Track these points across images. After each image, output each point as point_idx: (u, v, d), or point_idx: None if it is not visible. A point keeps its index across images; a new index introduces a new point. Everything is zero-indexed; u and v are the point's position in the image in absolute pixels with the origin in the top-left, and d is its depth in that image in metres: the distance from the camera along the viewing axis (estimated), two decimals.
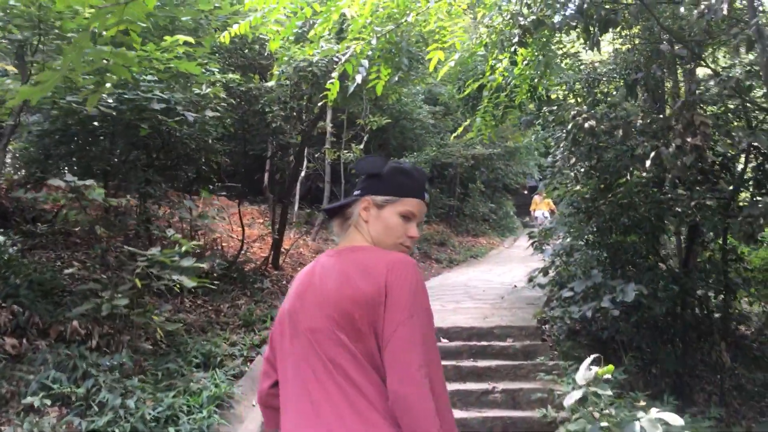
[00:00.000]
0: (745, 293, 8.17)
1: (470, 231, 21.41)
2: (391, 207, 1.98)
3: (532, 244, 8.48)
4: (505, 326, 7.39)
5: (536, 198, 20.06)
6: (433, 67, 6.91)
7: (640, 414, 4.29)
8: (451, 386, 6.17)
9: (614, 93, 8.35)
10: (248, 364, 6.91)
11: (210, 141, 8.66)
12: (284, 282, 9.91)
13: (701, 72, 8.72)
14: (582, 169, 7.85)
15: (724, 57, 8.50)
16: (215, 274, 8.68)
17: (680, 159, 5.84)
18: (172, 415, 5.43)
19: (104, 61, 3.73)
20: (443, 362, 6.71)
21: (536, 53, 6.88)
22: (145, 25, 7.49)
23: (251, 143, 10.27)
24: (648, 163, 5.89)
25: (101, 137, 8.07)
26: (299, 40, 8.95)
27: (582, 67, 9.09)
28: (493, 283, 11.58)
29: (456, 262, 16.37)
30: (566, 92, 9.94)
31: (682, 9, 6.92)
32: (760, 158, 7.47)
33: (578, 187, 7.17)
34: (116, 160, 8.67)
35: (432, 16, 6.38)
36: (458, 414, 5.95)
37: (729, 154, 7.51)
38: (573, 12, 5.86)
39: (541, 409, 5.78)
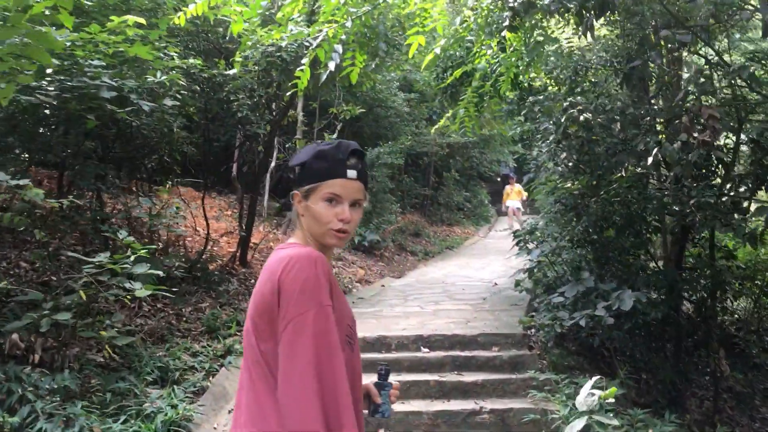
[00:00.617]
0: (737, 288, 7.67)
1: (445, 220, 20.85)
2: (315, 195, 1.86)
3: (516, 243, 7.86)
4: (489, 333, 6.77)
5: (507, 188, 19.52)
6: (412, 53, 6.25)
7: None
8: (435, 406, 5.56)
9: (604, 82, 7.73)
10: (210, 378, 6.22)
11: (171, 131, 7.90)
12: (252, 281, 9.20)
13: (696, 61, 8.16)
14: (570, 164, 7.23)
15: (720, 44, 7.91)
16: (176, 277, 7.96)
17: (686, 155, 5.25)
18: None
19: (17, 42, 2.99)
20: (425, 376, 6.15)
21: (525, 38, 6.23)
22: (92, 3, 6.71)
23: (216, 133, 9.47)
24: (650, 159, 5.28)
25: (53, 127, 7.28)
26: (266, 23, 8.19)
27: (568, 53, 8.47)
28: (472, 279, 10.98)
29: (431, 255, 15.77)
30: (551, 81, 9.33)
31: None
32: (759, 152, 6.93)
33: (568, 184, 6.55)
34: (69, 151, 7.90)
35: None
36: None
37: (726, 149, 6.95)
38: None
39: None
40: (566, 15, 5.82)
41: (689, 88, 5.49)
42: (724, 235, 8.24)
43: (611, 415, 4.33)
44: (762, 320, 8.45)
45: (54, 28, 4.48)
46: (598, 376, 4.55)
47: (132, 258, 5.52)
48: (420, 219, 19.05)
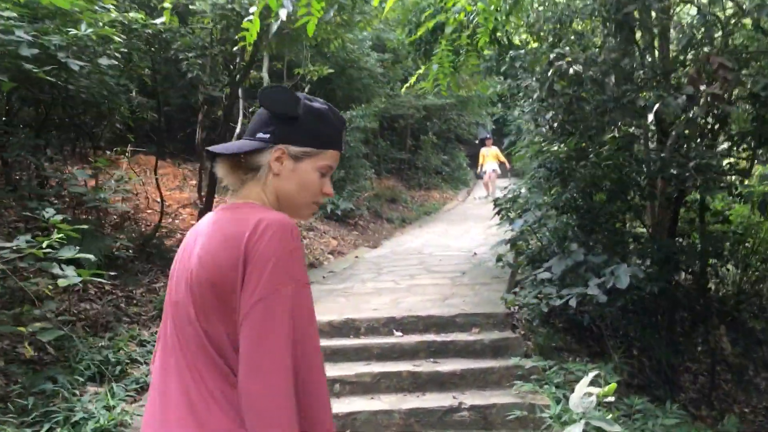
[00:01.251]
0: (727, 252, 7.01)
1: (423, 185, 20.09)
2: (310, 161, 1.60)
3: (498, 212, 7.12)
4: (469, 313, 6.06)
5: (483, 150, 18.68)
6: (390, 6, 5.41)
7: None
8: (409, 402, 4.84)
9: (591, 34, 6.94)
10: None
11: (115, 94, 7.01)
12: None
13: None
14: (556, 125, 6.47)
15: None
16: (126, 255, 7.15)
17: (691, 111, 4.50)
18: None
19: None
20: (397, 365, 5.42)
21: None
22: None
23: (168, 96, 8.57)
24: (650, 117, 4.52)
25: None
26: None
27: (552, 1, 7.64)
28: (450, 249, 10.26)
29: (409, 221, 15.03)
30: (532, 37, 8.51)
31: None
32: (761, 108, 6.20)
33: (555, 147, 5.79)
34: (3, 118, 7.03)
35: None
36: None
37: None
38: None
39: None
40: None
41: (694, 34, 4.71)
42: (711, 198, 7.59)
43: (611, 418, 3.64)
44: (753, 285, 7.83)
45: None
46: (595, 372, 3.85)
47: (53, 239, 4.71)
48: (397, 184, 18.27)
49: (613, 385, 3.86)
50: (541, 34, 8.09)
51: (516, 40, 8.93)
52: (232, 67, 8.62)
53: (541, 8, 7.24)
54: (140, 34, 6.98)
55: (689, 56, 5.10)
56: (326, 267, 9.47)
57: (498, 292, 6.86)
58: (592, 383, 3.83)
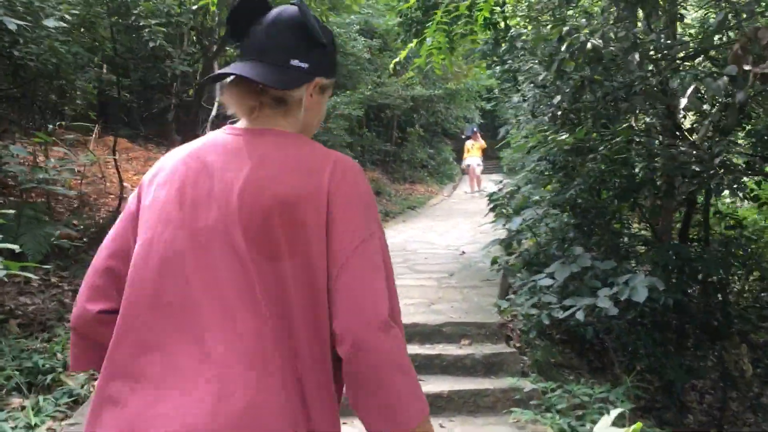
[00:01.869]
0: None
1: (408, 178, 19.33)
2: (328, 91, 1.46)
3: (492, 209, 6.34)
4: (458, 322, 5.27)
5: (468, 143, 17.97)
6: None
7: None
8: None
9: (602, 13, 6.17)
10: (95, 381, 4.62)
11: (66, 64, 6.16)
12: None
13: None
14: (559, 112, 5.70)
15: None
16: (77, 244, 6.32)
17: (732, 95, 3.75)
18: None
19: None
20: None
21: None
22: None
23: (131, 69, 7.68)
24: (683, 101, 3.76)
25: None
26: None
27: None
28: (436, 246, 9.47)
29: (392, 215, 14.22)
30: (529, 19, 7.75)
31: None
32: None
33: (564, 136, 5.02)
34: None
35: None
36: None
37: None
38: None
39: None
40: None
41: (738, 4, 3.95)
42: (714, 199, 6.90)
43: None
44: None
45: None
46: (618, 410, 3.07)
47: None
48: (381, 176, 17.46)
49: (639, 425, 3.10)
50: (543, 14, 7.35)
51: (515, 22, 8.18)
52: (206, 41, 7.76)
53: None
54: None
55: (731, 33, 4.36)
56: None
57: (490, 298, 6.10)
58: (615, 423, 3.07)
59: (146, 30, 6.31)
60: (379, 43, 15.71)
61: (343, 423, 1.40)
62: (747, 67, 3.64)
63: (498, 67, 7.06)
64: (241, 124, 1.40)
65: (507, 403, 4.30)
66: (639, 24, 5.61)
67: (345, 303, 1.19)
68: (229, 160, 1.29)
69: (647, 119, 5.18)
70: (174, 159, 1.37)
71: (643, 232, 6.83)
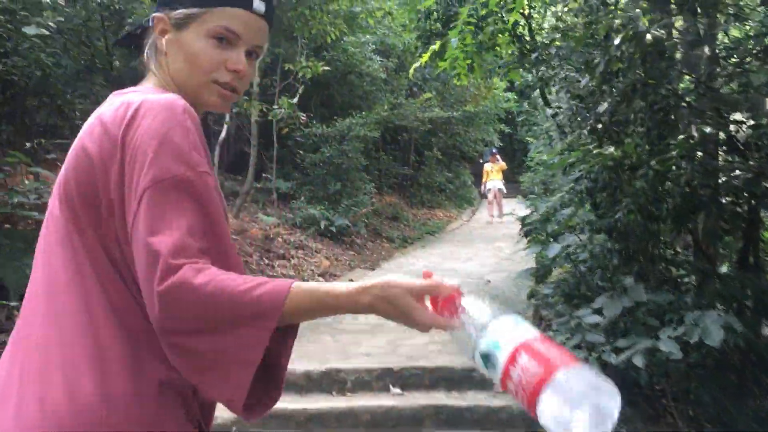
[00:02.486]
0: None
1: (426, 202, 18.60)
2: (195, 26, 1.18)
3: (525, 234, 5.59)
4: None
5: (488, 166, 17.11)
6: None
7: None
8: None
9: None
10: None
11: (54, 77, 5.55)
12: None
13: None
14: (599, 125, 4.98)
15: None
16: None
17: None
18: None
19: None
20: None
21: None
22: None
23: (126, 83, 7.08)
24: None
25: None
26: None
27: None
28: (459, 274, 8.71)
29: (410, 241, 13.49)
30: (558, 28, 7.08)
31: None
32: None
33: (611, 149, 4.29)
34: None
35: None
36: None
37: None
38: None
39: None
40: None
41: None
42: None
43: None
44: None
45: None
46: None
47: None
48: (399, 201, 16.76)
49: None
50: (575, 23, 6.67)
51: (546, 29, 7.52)
52: None
53: None
54: (86, 1, 5.52)
55: None
56: None
57: None
58: None
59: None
60: (395, 63, 15.11)
61: None
62: None
63: (529, 76, 6.35)
64: None
65: None
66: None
67: (137, 270, 1.01)
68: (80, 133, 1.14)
69: (706, 129, 4.43)
70: None
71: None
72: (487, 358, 0.96)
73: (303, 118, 9.80)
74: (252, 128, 10.37)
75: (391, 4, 10.92)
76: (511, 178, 25.45)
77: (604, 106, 4.31)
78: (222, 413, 1.55)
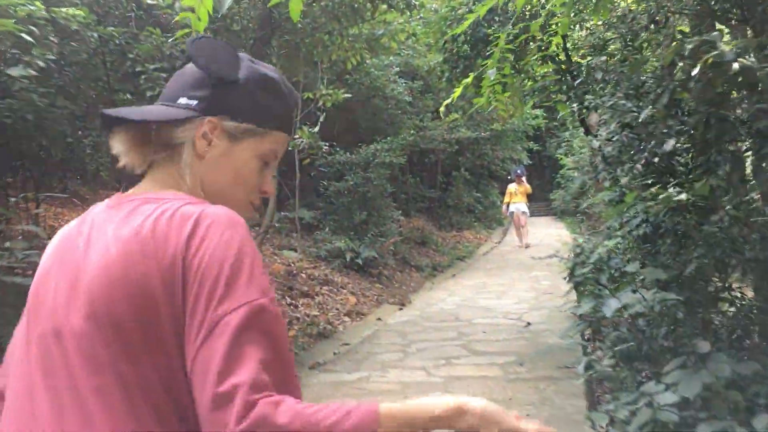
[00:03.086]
0: None
1: (454, 224, 17.93)
2: (252, 142, 1.15)
3: (571, 280, 4.88)
4: None
5: (512, 187, 16.18)
6: None
7: None
8: None
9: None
10: None
11: (49, 120, 5.02)
12: None
13: None
14: (657, 160, 4.29)
15: None
16: None
17: None
18: None
19: None
20: None
21: None
22: None
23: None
24: None
25: None
26: None
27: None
28: (495, 313, 7.99)
29: (440, 269, 12.80)
30: (595, 46, 6.39)
31: None
32: None
33: (671, 189, 3.59)
34: None
35: None
36: None
37: None
38: None
39: None
40: None
41: None
42: None
43: None
44: None
45: None
46: None
47: None
48: (426, 224, 16.09)
49: None
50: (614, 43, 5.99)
51: (575, 59, 6.82)
52: None
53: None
54: (83, 37, 4.98)
55: None
56: (340, 336, 7.29)
57: (576, 400, 4.62)
58: None
59: (143, 77, 5.14)
60: (420, 85, 14.49)
61: None
62: None
63: (574, 104, 5.66)
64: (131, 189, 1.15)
65: None
66: None
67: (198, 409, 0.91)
68: (93, 241, 1.04)
69: None
70: (56, 237, 1.15)
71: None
72: None
73: (325, 147, 9.21)
74: None
75: (415, 25, 10.30)
76: (540, 197, 24.68)
77: (670, 144, 3.61)
78: None
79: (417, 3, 7.25)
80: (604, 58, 5.11)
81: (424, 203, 17.19)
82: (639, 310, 4.08)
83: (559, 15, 3.96)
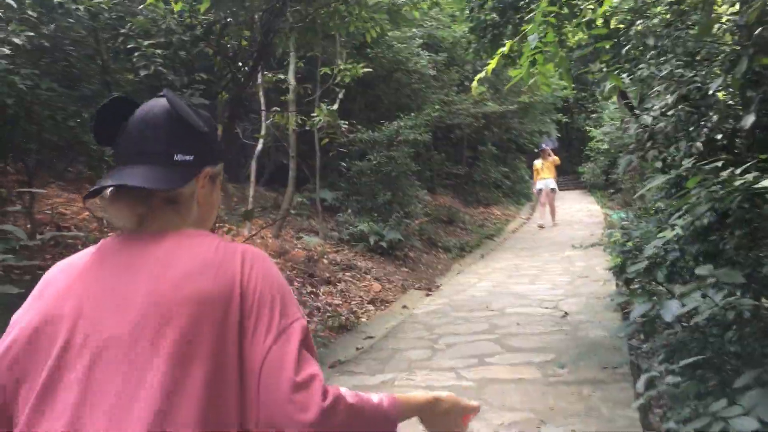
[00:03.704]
0: None
1: (482, 200, 17.26)
2: (217, 179, 1.35)
3: (626, 282, 4.27)
4: None
5: (538, 163, 15.32)
6: None
7: None
8: None
9: None
10: None
11: (33, 102, 4.51)
12: None
13: None
14: (717, 139, 3.65)
15: None
16: None
17: None
18: None
19: None
20: None
21: None
22: None
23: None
24: None
25: None
26: None
27: None
28: (529, 301, 7.39)
29: (468, 249, 12.20)
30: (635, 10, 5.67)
31: None
32: None
33: (749, 176, 2.97)
34: None
35: None
36: None
37: None
38: None
39: None
40: None
41: None
42: None
43: None
44: None
45: None
46: None
47: None
48: (453, 201, 15.48)
49: None
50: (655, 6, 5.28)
51: (614, 23, 6.11)
52: (229, 68, 6.00)
53: None
54: (68, 10, 4.43)
55: None
56: (363, 328, 6.78)
57: (625, 409, 4.03)
58: None
59: (137, 54, 4.59)
60: (444, 58, 13.77)
61: None
62: None
63: (626, 76, 4.99)
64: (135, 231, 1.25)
65: None
66: None
67: (263, 408, 1.11)
68: (130, 269, 1.17)
69: None
70: (60, 273, 1.23)
71: None
72: None
73: (344, 126, 8.62)
74: (290, 139, 9.24)
75: None
76: (569, 169, 23.85)
77: (749, 119, 2.97)
78: None
79: None
80: (654, 20, 4.41)
81: (450, 180, 16.57)
82: (707, 316, 3.48)
83: None
